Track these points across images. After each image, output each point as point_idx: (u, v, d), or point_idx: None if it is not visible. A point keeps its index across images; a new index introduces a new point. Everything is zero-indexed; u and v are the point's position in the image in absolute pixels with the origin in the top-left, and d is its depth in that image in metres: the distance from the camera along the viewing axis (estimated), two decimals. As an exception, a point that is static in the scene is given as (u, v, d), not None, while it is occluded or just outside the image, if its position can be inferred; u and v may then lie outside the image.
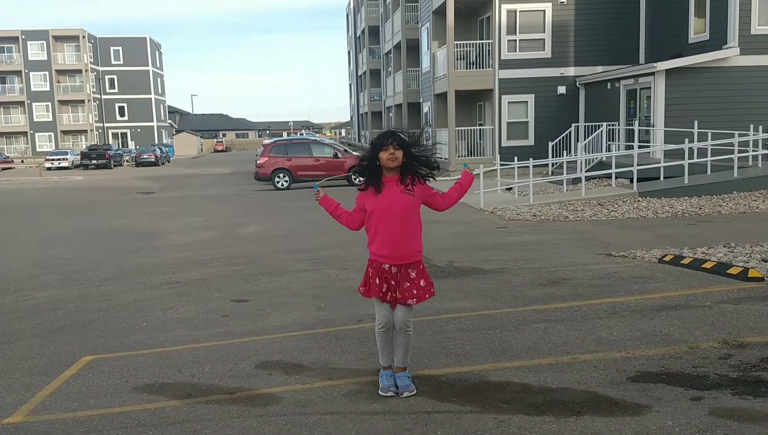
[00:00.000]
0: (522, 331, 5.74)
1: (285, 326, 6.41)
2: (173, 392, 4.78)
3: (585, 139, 20.29)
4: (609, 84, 22.00)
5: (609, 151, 19.42)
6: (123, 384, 5.00)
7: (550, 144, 19.75)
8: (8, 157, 57.97)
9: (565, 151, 19.80)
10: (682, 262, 8.28)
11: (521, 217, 14.03)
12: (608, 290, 7.13)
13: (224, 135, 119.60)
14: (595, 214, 13.88)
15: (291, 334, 6.12)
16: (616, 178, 17.21)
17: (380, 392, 4.51)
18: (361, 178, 4.55)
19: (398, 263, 4.38)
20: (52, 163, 49.07)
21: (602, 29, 23.28)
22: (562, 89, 23.55)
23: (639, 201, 15.24)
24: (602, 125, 19.99)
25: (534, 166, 17.07)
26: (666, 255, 8.80)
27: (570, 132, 22.08)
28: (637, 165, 16.14)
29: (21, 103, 70.56)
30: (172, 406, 4.52)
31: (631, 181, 16.27)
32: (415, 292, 4.39)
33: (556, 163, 19.76)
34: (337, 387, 4.68)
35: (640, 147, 17.68)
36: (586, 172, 17.12)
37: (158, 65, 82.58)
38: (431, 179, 4.54)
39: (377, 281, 4.42)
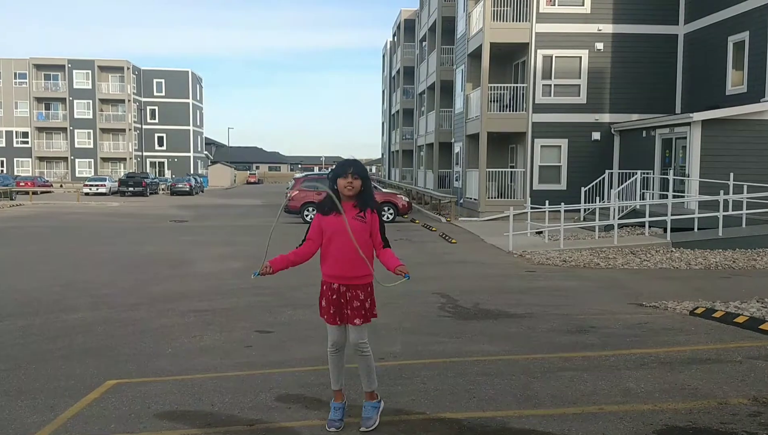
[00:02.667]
0: (548, 379, 5.64)
1: (307, 360, 6.40)
2: (193, 421, 4.78)
3: (619, 186, 20.11)
4: (644, 132, 21.87)
5: (643, 199, 19.21)
6: (145, 410, 5.02)
7: (583, 189, 19.63)
8: (48, 181, 59.42)
9: (597, 198, 19.66)
10: (713, 315, 8.09)
11: (551, 262, 13.88)
12: (637, 341, 6.98)
13: (257, 167, 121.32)
14: (627, 263, 13.68)
15: (312, 368, 6.10)
16: (649, 227, 16.99)
17: (327, 426, 4.54)
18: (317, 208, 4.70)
19: (347, 284, 4.51)
20: (90, 189, 50.15)
21: (639, 77, 23.27)
22: (596, 135, 23.47)
23: (672, 251, 14.99)
24: (636, 173, 19.83)
25: (566, 210, 16.94)
26: (698, 307, 8.61)
27: (603, 178, 21.92)
28: (672, 215, 15.94)
29: (64, 130, 72.59)
30: (191, 435, 4.52)
31: (665, 230, 16.04)
32: (363, 312, 4.52)
33: (589, 209, 19.60)
34: (355, 425, 4.63)
35: (674, 197, 17.47)
36: (619, 219, 16.95)
37: (198, 98, 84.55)
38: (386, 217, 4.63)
39: (325, 304, 4.57)
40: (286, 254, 4.64)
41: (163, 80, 79.13)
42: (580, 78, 23.40)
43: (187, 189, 53.55)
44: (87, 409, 5.06)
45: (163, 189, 56.73)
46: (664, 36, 23.29)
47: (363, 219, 4.51)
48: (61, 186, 59.40)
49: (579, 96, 23.45)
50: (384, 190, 29.10)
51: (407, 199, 26.39)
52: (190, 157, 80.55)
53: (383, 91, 67.08)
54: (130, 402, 5.20)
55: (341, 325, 4.57)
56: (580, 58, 23.32)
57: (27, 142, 72.32)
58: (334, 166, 4.71)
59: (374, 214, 4.58)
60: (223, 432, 4.55)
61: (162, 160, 79.42)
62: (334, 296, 4.53)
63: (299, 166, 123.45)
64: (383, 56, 66.73)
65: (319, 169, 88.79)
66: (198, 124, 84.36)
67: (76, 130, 72.37)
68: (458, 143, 29.26)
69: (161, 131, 79.36)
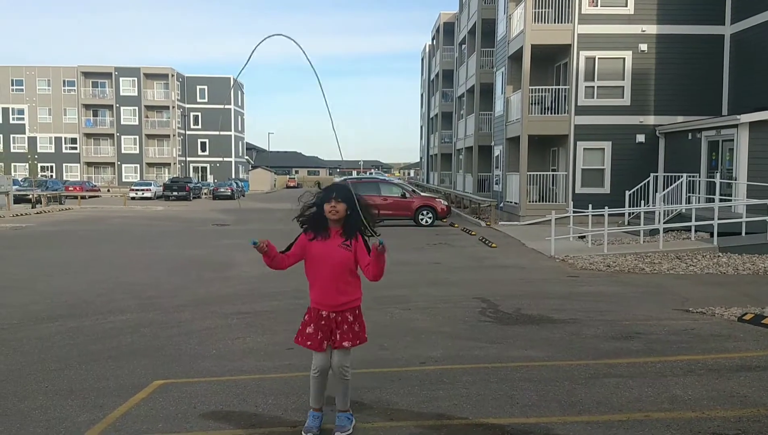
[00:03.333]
0: (592, 385, 5.56)
1: (349, 363, 6.42)
2: (238, 421, 4.85)
3: (664, 190, 19.71)
4: (690, 134, 21.41)
5: (689, 203, 18.79)
6: (191, 410, 5.12)
7: (627, 193, 19.30)
8: (96, 185, 60.98)
9: (642, 201, 19.27)
10: (762, 321, 7.88)
11: (594, 267, 13.68)
12: (684, 347, 6.84)
13: (296, 172, 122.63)
14: (673, 268, 13.40)
15: (354, 371, 6.11)
16: (695, 231, 16.60)
17: (303, 432, 4.54)
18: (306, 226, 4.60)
19: (336, 310, 4.45)
20: (136, 193, 51.31)
21: (684, 79, 22.79)
22: (640, 138, 23.07)
23: (719, 256, 14.62)
24: (682, 176, 19.40)
25: (609, 214, 16.67)
26: (746, 313, 8.39)
27: (648, 181, 21.52)
28: (718, 219, 15.55)
29: (111, 136, 74.47)
30: (236, 436, 4.58)
31: (712, 235, 15.67)
32: (351, 335, 4.48)
33: (633, 213, 19.25)
34: (398, 429, 4.64)
35: (721, 200, 17.04)
36: (664, 223, 16.61)
37: (240, 104, 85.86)
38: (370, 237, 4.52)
39: (311, 330, 4.47)
40: (277, 251, 4.60)
41: (206, 87, 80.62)
42: (623, 79, 23.03)
43: (229, 193, 54.32)
44: (135, 409, 5.17)
45: (205, 193, 57.68)
46: (710, 36, 22.76)
47: (348, 247, 4.43)
48: (108, 190, 60.91)
49: (623, 98, 23.08)
50: (422, 193, 29.08)
51: (446, 203, 26.33)
52: (231, 162, 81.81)
53: (422, 95, 67.12)
54: (176, 402, 5.31)
55: (326, 351, 4.50)
56: (624, 59, 22.96)
57: (75, 148, 74.40)
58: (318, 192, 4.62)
59: (358, 241, 4.46)
60: (268, 433, 4.61)
61: (205, 165, 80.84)
62: (323, 322, 4.47)
63: (338, 170, 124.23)
64: (422, 60, 66.80)
65: (358, 173, 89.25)
66: (239, 129, 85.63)
67: (122, 136, 74.19)
68: (498, 146, 29.07)
69: (204, 137, 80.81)
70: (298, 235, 4.61)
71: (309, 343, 4.49)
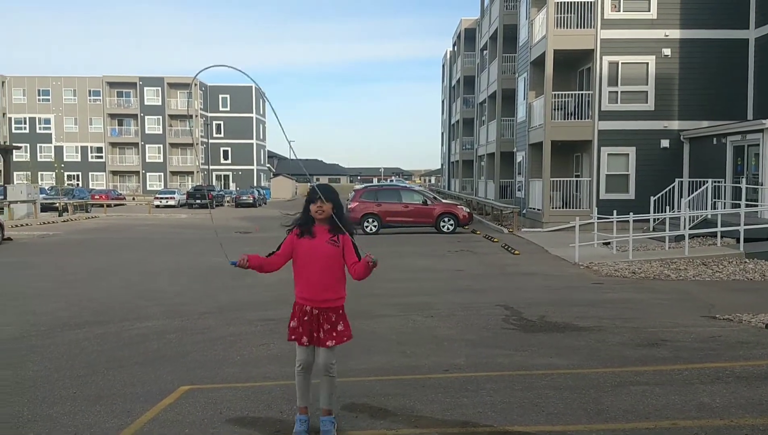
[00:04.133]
0: (618, 393, 5.51)
1: (370, 370, 6.44)
2: (263, 427, 4.88)
3: (689, 196, 19.48)
4: (715, 139, 21.15)
5: (714, 208, 18.54)
6: (217, 415, 5.16)
7: (652, 199, 19.12)
8: (121, 194, 61.83)
9: (667, 207, 19.09)
10: (794, 329, 7.74)
11: (619, 274, 13.55)
12: (711, 354, 6.75)
13: (317, 179, 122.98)
14: (699, 274, 13.23)
15: (376, 378, 6.14)
16: (721, 237, 16.37)
17: None
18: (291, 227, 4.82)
19: (319, 307, 4.60)
20: (161, 202, 51.93)
21: (708, 83, 22.54)
22: (665, 143, 22.84)
23: (746, 262, 14.41)
24: (707, 181, 19.17)
25: (634, 220, 16.52)
26: (776, 321, 8.25)
27: (673, 187, 21.29)
28: (745, 224, 15.33)
29: (135, 145, 75.48)
30: (262, 442, 4.61)
31: (738, 241, 15.44)
32: (334, 334, 4.62)
33: (658, 219, 19.05)
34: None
35: (747, 206, 16.79)
36: (689, 229, 16.41)
37: (261, 112, 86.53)
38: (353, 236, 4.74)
39: (294, 324, 4.65)
40: (261, 257, 4.77)
41: (228, 96, 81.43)
42: (647, 84, 22.84)
43: (251, 201, 54.76)
44: (162, 414, 5.23)
45: (228, 201, 58.18)
46: (734, 41, 22.49)
47: (336, 243, 4.61)
48: (133, 199, 61.72)
49: (647, 103, 22.88)
50: (444, 200, 29.02)
51: (468, 210, 26.25)
52: (253, 169, 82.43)
53: (443, 102, 67.11)
54: (202, 407, 5.35)
55: (310, 346, 4.64)
56: (647, 64, 22.77)
57: (101, 157, 75.51)
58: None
59: (345, 237, 4.65)
60: (292, 439, 4.63)
61: (227, 173, 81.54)
62: (306, 318, 4.61)
63: (358, 177, 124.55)
64: (443, 66, 66.82)
65: (378, 181, 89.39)
66: (261, 137, 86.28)
67: (146, 145, 75.17)
68: (520, 152, 28.96)
69: (226, 145, 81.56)
70: (286, 236, 4.79)
71: (293, 336, 4.67)
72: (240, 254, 4.68)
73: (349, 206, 25.75)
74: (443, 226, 24.64)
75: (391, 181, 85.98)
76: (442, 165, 71.56)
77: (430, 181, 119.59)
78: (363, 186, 32.47)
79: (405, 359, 6.89)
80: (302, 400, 4.74)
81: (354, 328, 8.38)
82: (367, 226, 24.77)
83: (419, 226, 24.91)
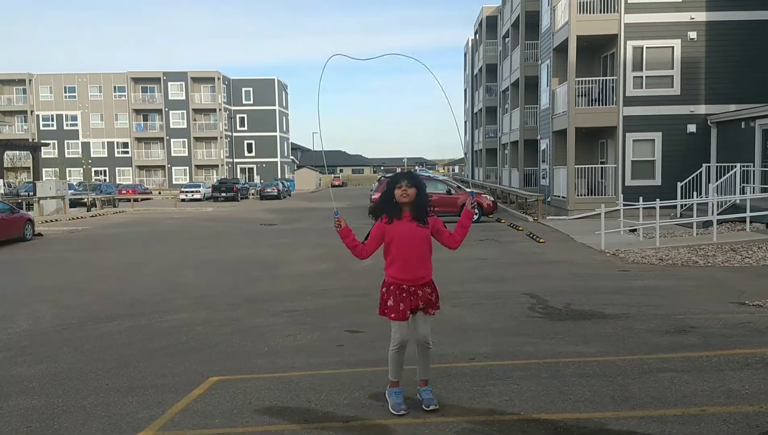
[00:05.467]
0: (646, 380, 5.48)
1: (399, 360, 6.46)
2: (292, 416, 4.95)
3: (717, 181, 19.18)
4: (743, 123, 20.76)
5: (743, 193, 18.23)
6: (246, 405, 5.24)
7: (679, 184, 18.86)
8: (147, 188, 62.58)
9: (695, 193, 18.80)
10: (827, 314, 7.61)
11: (646, 261, 13.42)
12: (741, 341, 6.67)
13: (341, 170, 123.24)
14: (728, 260, 13.05)
15: (403, 367, 6.15)
16: (750, 222, 16.11)
17: (391, 410, 4.87)
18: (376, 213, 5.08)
19: (415, 284, 4.88)
20: (186, 195, 52.42)
21: (735, 66, 22.11)
22: (691, 127, 22.49)
23: (777, 247, 14.16)
24: (736, 166, 18.85)
25: (661, 207, 16.31)
26: (808, 306, 8.12)
27: (700, 172, 20.97)
28: (776, 209, 15.06)
29: (161, 139, 76.27)
30: (291, 430, 4.68)
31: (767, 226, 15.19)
32: (430, 305, 4.92)
33: (685, 205, 18.80)
34: (450, 424, 4.66)
35: (778, 189, 16.48)
36: (718, 215, 16.17)
37: (284, 105, 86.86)
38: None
39: (392, 302, 4.87)
40: (356, 238, 5.01)
41: (251, 89, 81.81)
42: (672, 69, 22.48)
43: (275, 193, 55.03)
44: (193, 404, 5.33)
45: (252, 194, 58.55)
46: (762, 22, 22.01)
47: (426, 225, 4.92)
48: (160, 193, 62.37)
49: (672, 87, 22.53)
50: (467, 189, 28.89)
51: (492, 199, 26.13)
52: (277, 162, 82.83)
53: (465, 90, 66.73)
54: (231, 398, 5.44)
55: (406, 324, 4.88)
56: (673, 48, 22.40)
57: (127, 152, 76.44)
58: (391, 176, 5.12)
59: (433, 218, 4.99)
60: (321, 428, 4.69)
61: (251, 165, 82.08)
62: (404, 295, 4.86)
63: (382, 167, 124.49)
64: (465, 54, 66.40)
65: (402, 171, 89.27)
66: (284, 130, 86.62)
67: (172, 140, 75.88)
68: (544, 140, 28.72)
69: (250, 138, 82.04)
70: (372, 226, 5.02)
71: (393, 314, 4.87)
72: (337, 221, 5.02)
73: (372, 197, 25.78)
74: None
75: (415, 170, 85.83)
76: (465, 154, 71.19)
77: (453, 170, 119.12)
78: (387, 175, 32.49)
79: (431, 349, 6.89)
80: (396, 375, 4.98)
81: (381, 318, 8.46)
82: (391, 217, 24.73)
83: (443, 215, 24.54)
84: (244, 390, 5.63)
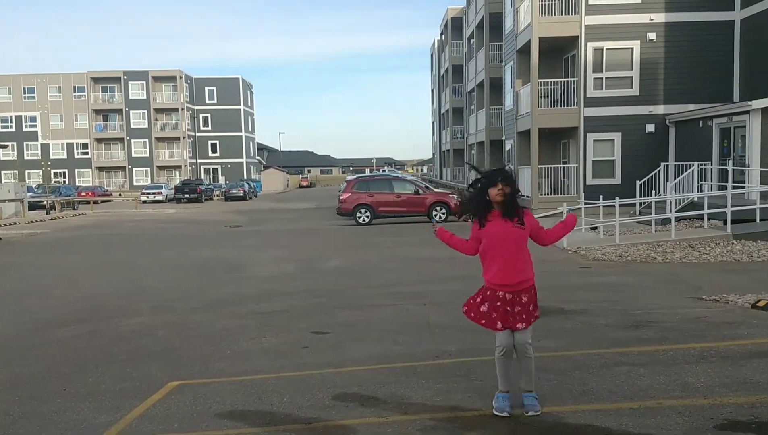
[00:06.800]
0: (604, 374, 5.58)
1: (363, 359, 6.48)
2: (253, 420, 4.91)
3: (675, 179, 19.59)
4: (701, 122, 21.25)
5: (701, 191, 18.67)
6: (206, 410, 5.19)
7: (638, 183, 19.20)
8: (107, 190, 61.46)
9: (653, 191, 19.17)
10: (778, 308, 7.84)
11: (606, 258, 13.65)
12: (697, 335, 6.83)
13: (309, 171, 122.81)
14: (686, 257, 13.35)
15: (368, 367, 6.18)
16: (708, 219, 16.50)
17: (495, 412, 4.72)
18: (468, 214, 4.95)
19: (512, 290, 4.66)
20: (148, 197, 51.64)
21: (693, 66, 22.60)
22: (650, 127, 22.93)
23: (733, 244, 14.53)
24: (693, 164, 19.27)
25: (620, 205, 16.60)
26: (760, 300, 8.36)
27: (659, 171, 21.38)
28: (731, 206, 15.45)
29: (121, 140, 74.98)
30: (252, 433, 4.66)
31: (725, 222, 15.56)
32: (524, 316, 4.68)
33: (644, 203, 19.16)
34: (412, 422, 4.68)
35: (734, 187, 16.91)
36: (676, 212, 16.52)
37: (249, 104, 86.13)
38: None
39: (485, 309, 4.71)
40: (454, 235, 5.02)
41: (214, 88, 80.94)
42: (632, 70, 22.89)
43: (241, 194, 54.57)
44: (151, 410, 5.26)
45: (217, 195, 57.97)
46: (720, 23, 22.54)
47: (522, 226, 4.68)
48: (120, 195, 61.38)
49: (632, 88, 22.93)
50: (436, 190, 29.06)
51: (459, 199, 26.26)
52: (243, 162, 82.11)
53: (432, 91, 67.02)
54: (192, 402, 5.38)
55: (506, 330, 4.70)
56: (632, 49, 22.81)
57: (87, 153, 75.01)
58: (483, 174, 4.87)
59: (528, 216, 4.75)
60: (282, 430, 4.67)
61: (216, 166, 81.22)
62: (498, 304, 4.67)
63: (350, 168, 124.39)
64: (431, 56, 66.68)
65: (371, 171, 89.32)
66: (250, 129, 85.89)
67: (132, 140, 74.67)
68: (509, 140, 29.02)
69: (214, 138, 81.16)
70: (471, 225, 4.88)
71: (483, 321, 4.75)
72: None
73: (340, 197, 25.74)
74: (435, 215, 24.70)
75: (383, 171, 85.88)
76: (433, 154, 71.54)
77: (422, 170, 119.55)
78: (355, 177, 32.49)
79: (397, 347, 6.93)
80: (505, 383, 4.80)
81: (348, 319, 8.49)
82: (359, 217, 24.76)
83: (412, 215, 24.95)
84: (205, 394, 5.57)
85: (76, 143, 74.84)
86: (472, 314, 4.81)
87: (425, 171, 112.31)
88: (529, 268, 4.73)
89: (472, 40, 40.82)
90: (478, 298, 4.80)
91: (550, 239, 4.83)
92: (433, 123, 67.64)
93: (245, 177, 76.93)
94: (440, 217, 24.47)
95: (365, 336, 7.50)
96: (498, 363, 4.78)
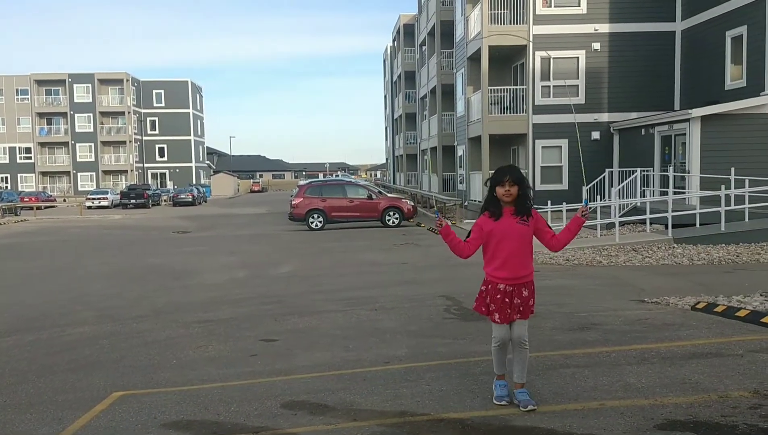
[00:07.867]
0: (549, 376, 5.68)
1: (312, 366, 6.44)
2: (199, 430, 4.83)
3: (619, 184, 20.14)
4: (643, 130, 21.91)
5: (643, 196, 19.23)
6: (151, 420, 5.08)
7: (584, 188, 19.66)
8: (51, 195, 59.66)
9: (598, 196, 19.68)
10: (715, 309, 8.12)
11: (553, 262, 13.92)
12: (639, 337, 7.02)
13: (261, 176, 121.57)
14: (629, 260, 13.71)
15: (318, 374, 6.15)
16: (650, 223, 17.00)
17: (495, 401, 4.97)
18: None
19: (513, 283, 4.85)
20: (93, 202, 50.31)
21: (637, 76, 23.30)
22: (596, 135, 23.52)
23: (674, 247, 15.01)
24: (636, 171, 19.85)
25: (567, 210, 16.97)
26: (699, 302, 8.65)
27: (604, 177, 21.96)
28: (673, 211, 15.95)
29: (65, 144, 72.95)
30: (198, 443, 4.57)
31: (666, 227, 16.06)
32: (522, 308, 4.88)
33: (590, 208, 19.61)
34: (361, 428, 4.68)
35: (675, 193, 17.48)
36: (620, 217, 16.96)
37: (198, 108, 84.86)
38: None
39: (489, 301, 4.90)
40: (456, 237, 5.00)
41: (162, 91, 79.53)
42: (578, 78, 23.46)
43: (190, 199, 53.70)
44: (94, 421, 5.12)
45: (165, 200, 56.90)
46: (661, 33, 23.33)
47: (526, 222, 4.82)
48: (64, 200, 59.68)
49: (578, 96, 23.49)
50: (389, 194, 29.16)
51: (412, 204, 26.45)
52: (192, 167, 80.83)
53: (385, 96, 67.21)
54: (136, 413, 5.26)
55: (504, 324, 4.89)
56: (578, 58, 23.38)
57: (30, 158, 72.76)
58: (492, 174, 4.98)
59: (536, 215, 4.89)
60: (230, 439, 4.60)
61: (164, 171, 79.71)
62: (499, 296, 4.85)
63: (303, 173, 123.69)
64: (384, 61, 66.88)
65: (324, 176, 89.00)
66: (199, 133, 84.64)
67: (77, 144, 72.76)
68: (461, 146, 29.34)
69: (162, 142, 79.69)
70: (473, 224, 5.01)
71: (483, 308, 4.95)
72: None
73: (292, 202, 25.57)
74: (389, 220, 24.77)
75: (337, 175, 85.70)
76: (387, 159, 71.68)
77: (376, 175, 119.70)
78: (307, 181, 32.32)
79: (347, 354, 6.92)
80: (500, 368, 5.03)
81: (298, 326, 8.43)
82: (312, 222, 24.63)
83: (365, 220, 24.97)
84: (150, 404, 5.45)
85: (19, 147, 72.56)
86: (483, 309, 4.99)
87: (379, 176, 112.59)
88: (529, 263, 4.91)
89: (424, 47, 41.14)
90: (483, 293, 4.99)
91: (558, 245, 4.94)
92: (386, 128, 67.84)
93: (194, 182, 75.73)
94: (393, 222, 24.58)
95: (315, 342, 7.46)
96: (494, 353, 5.00)
